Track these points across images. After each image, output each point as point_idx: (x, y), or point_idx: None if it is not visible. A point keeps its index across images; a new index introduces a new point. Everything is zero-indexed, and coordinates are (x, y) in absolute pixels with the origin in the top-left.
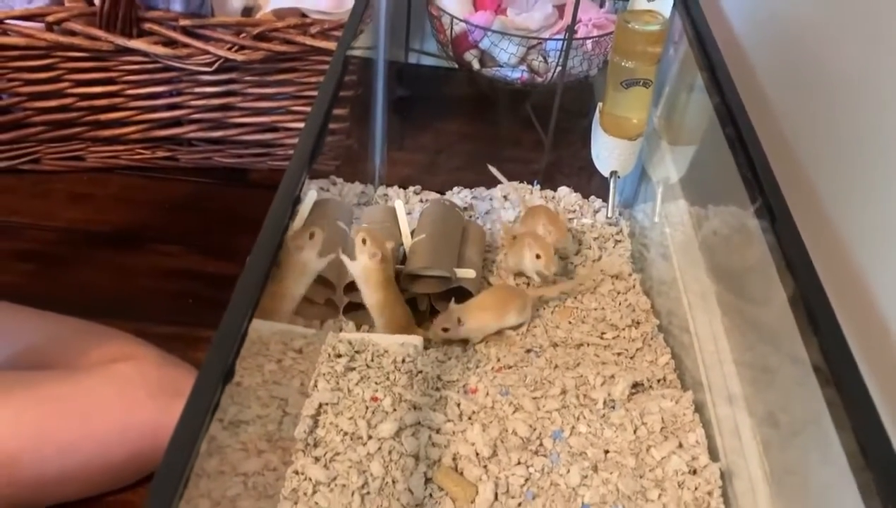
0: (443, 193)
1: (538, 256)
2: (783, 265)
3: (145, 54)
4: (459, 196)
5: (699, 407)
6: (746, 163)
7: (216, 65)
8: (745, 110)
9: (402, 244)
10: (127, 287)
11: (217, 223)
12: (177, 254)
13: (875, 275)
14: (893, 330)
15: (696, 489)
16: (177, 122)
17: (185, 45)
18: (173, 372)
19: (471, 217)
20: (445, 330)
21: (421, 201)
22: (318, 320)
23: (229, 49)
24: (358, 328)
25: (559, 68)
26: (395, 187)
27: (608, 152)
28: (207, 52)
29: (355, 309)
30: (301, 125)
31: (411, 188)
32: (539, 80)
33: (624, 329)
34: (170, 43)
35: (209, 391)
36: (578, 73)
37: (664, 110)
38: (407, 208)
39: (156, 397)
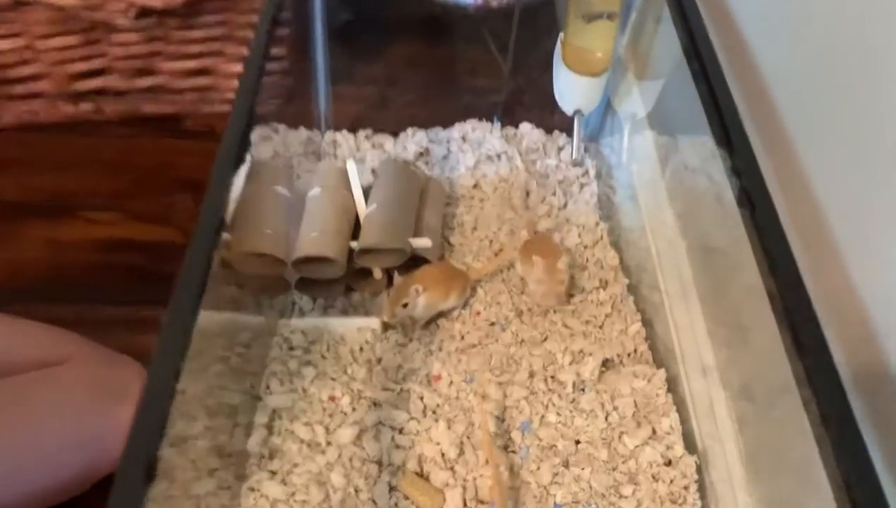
0: (396, 135)
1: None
2: (744, 201)
3: (49, 5)
4: (414, 139)
5: (672, 381)
6: (712, 104)
7: (131, 14)
8: (710, 41)
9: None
10: (60, 263)
11: (153, 181)
12: (112, 221)
13: (841, 222)
14: (855, 278)
15: (671, 482)
16: (98, 72)
17: None
18: (116, 371)
19: (427, 163)
20: (405, 305)
21: (373, 146)
22: (267, 296)
23: None
24: (314, 301)
25: None
26: (344, 131)
27: (571, 89)
28: (120, 0)
29: (308, 286)
30: (236, 67)
31: (362, 132)
32: (494, 3)
33: (591, 291)
34: None
35: (155, 415)
36: None
37: (631, 38)
38: (359, 155)
39: (98, 403)
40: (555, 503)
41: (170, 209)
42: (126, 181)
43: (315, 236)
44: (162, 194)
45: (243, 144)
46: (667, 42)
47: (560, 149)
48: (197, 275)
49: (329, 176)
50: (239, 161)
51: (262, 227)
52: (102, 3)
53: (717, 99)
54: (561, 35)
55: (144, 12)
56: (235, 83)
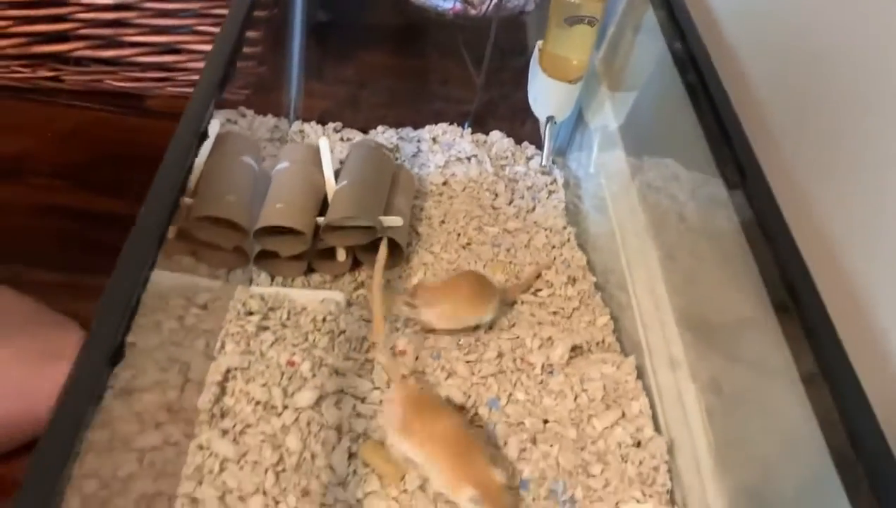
0: (365, 132)
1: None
2: (753, 223)
3: None
4: (384, 136)
5: (640, 371)
6: (711, 114)
7: None
8: (708, 54)
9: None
10: (2, 225)
11: (107, 155)
12: (60, 188)
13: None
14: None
15: (640, 463)
16: (62, 37)
17: None
18: (48, 330)
19: (397, 159)
20: (412, 306)
21: (342, 140)
22: (224, 268)
23: None
24: (272, 280)
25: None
26: (313, 123)
27: (545, 95)
28: None
29: (267, 258)
30: (207, 47)
31: (331, 124)
32: (473, 12)
33: (560, 287)
34: None
35: (92, 376)
36: (514, 7)
37: (607, 51)
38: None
39: (25, 359)
40: (521, 479)
41: (123, 183)
42: (79, 151)
43: (280, 207)
44: (116, 167)
45: (208, 110)
46: (643, 54)
47: (529, 158)
48: (155, 222)
49: (298, 152)
50: (202, 135)
51: (225, 194)
52: None
53: (720, 116)
54: (539, 42)
55: None
56: (203, 64)
